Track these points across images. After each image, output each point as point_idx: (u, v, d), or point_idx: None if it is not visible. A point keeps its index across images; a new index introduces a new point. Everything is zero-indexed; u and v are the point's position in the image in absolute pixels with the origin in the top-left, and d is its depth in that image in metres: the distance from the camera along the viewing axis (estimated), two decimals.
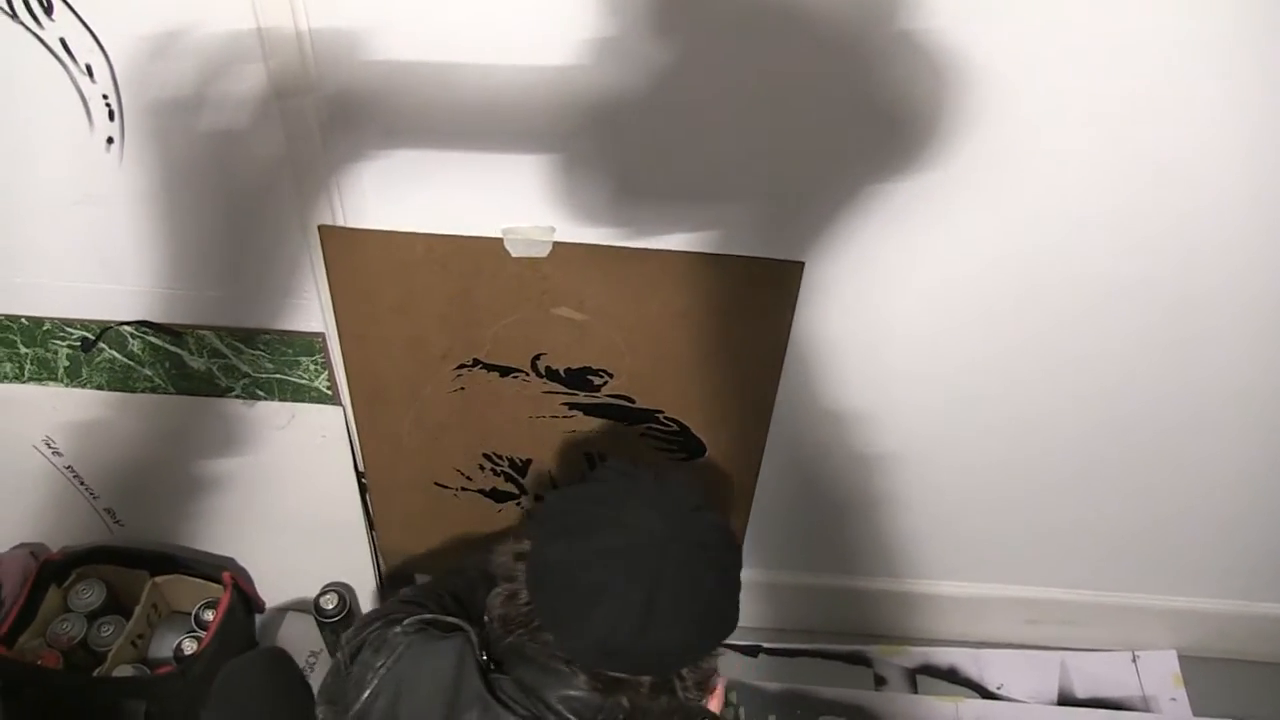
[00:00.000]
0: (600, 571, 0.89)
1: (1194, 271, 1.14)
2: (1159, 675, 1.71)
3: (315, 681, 1.22)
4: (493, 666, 0.98)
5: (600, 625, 0.88)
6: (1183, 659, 1.72)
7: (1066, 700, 1.69)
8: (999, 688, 1.70)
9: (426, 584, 1.25)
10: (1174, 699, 1.69)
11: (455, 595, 1.19)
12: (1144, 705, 1.68)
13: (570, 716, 0.92)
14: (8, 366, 1.37)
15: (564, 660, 0.92)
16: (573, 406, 1.31)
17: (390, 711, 0.97)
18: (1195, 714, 1.67)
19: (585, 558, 0.90)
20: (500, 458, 1.41)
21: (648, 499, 0.93)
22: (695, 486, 0.98)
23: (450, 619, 1.04)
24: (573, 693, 0.92)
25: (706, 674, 0.97)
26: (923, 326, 1.22)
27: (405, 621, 1.03)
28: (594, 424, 1.33)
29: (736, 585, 0.95)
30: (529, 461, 1.41)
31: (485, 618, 1.00)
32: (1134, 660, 1.73)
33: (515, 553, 0.97)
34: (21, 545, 1.63)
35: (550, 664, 0.92)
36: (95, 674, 1.48)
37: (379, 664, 1.00)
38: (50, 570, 1.56)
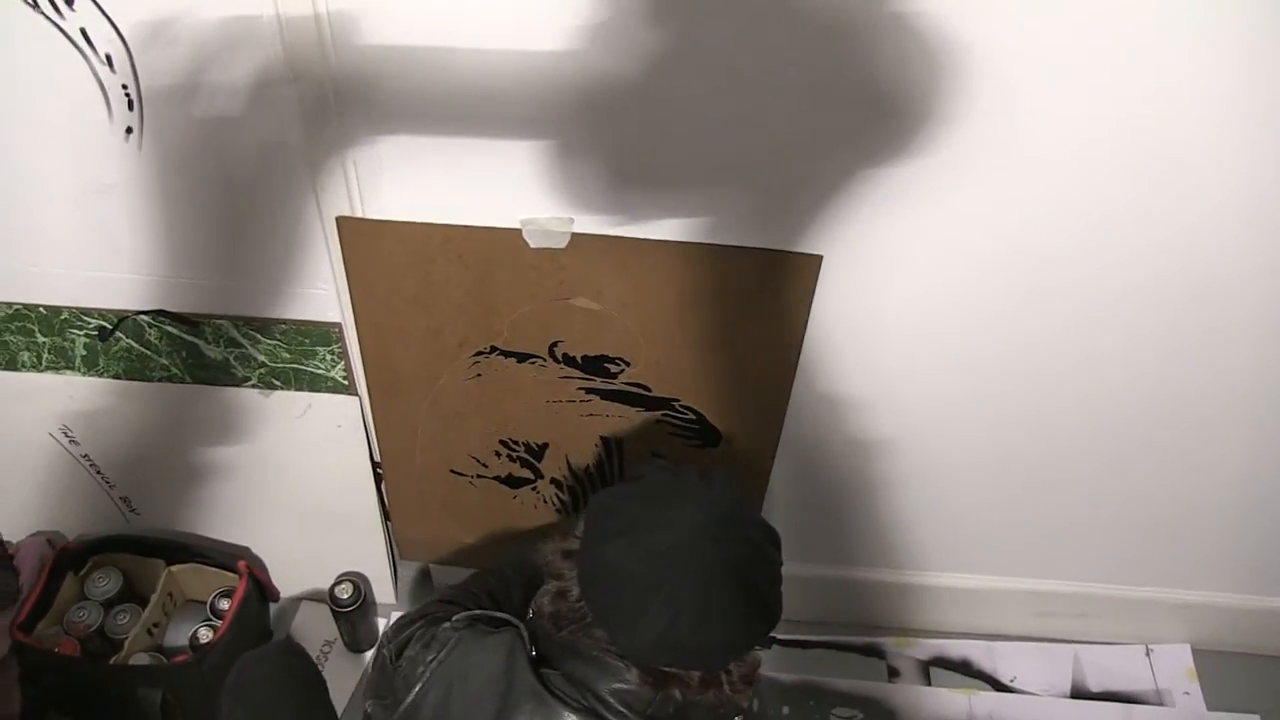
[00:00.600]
0: (654, 569, 0.90)
1: (1201, 269, 1.14)
2: (1173, 669, 1.71)
3: (329, 673, 1.22)
4: (540, 662, 0.99)
5: (657, 621, 0.89)
6: (1197, 653, 1.72)
7: (1080, 693, 1.68)
8: (1012, 680, 1.70)
9: (461, 584, 1.26)
10: (1188, 693, 1.68)
11: (491, 594, 1.20)
12: (1158, 699, 1.68)
13: (622, 709, 0.94)
14: (25, 355, 1.37)
15: (617, 655, 0.93)
16: (589, 391, 1.31)
17: (442, 706, 0.98)
18: (1209, 708, 1.66)
19: (637, 556, 0.91)
20: (516, 443, 1.41)
21: (693, 498, 0.94)
22: (735, 484, 0.99)
23: (498, 614, 1.05)
24: (624, 686, 0.94)
25: (751, 667, 0.98)
26: (933, 322, 1.22)
27: (454, 617, 1.04)
28: (610, 409, 1.33)
29: (780, 579, 0.97)
30: (545, 445, 1.41)
31: (531, 614, 1.02)
32: (1148, 654, 1.72)
33: (562, 551, 0.99)
34: (38, 533, 1.64)
35: (603, 658, 0.94)
36: (112, 662, 1.49)
37: (430, 658, 1.01)
38: (67, 558, 1.57)
